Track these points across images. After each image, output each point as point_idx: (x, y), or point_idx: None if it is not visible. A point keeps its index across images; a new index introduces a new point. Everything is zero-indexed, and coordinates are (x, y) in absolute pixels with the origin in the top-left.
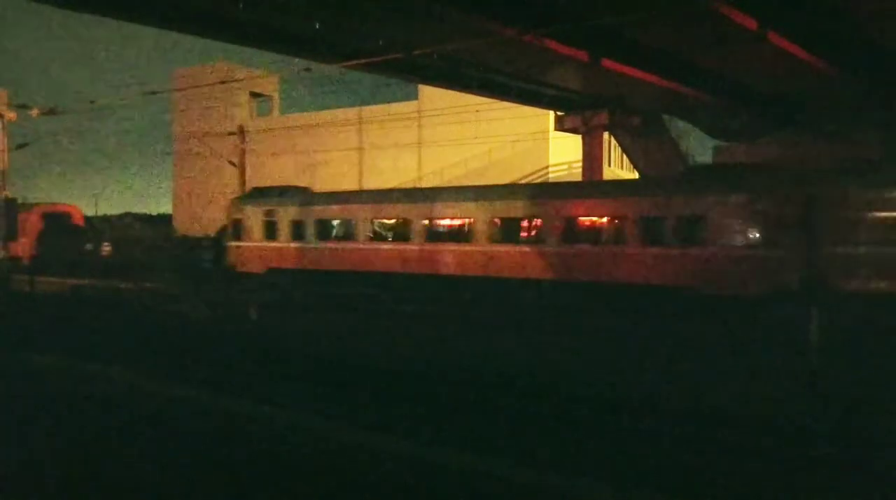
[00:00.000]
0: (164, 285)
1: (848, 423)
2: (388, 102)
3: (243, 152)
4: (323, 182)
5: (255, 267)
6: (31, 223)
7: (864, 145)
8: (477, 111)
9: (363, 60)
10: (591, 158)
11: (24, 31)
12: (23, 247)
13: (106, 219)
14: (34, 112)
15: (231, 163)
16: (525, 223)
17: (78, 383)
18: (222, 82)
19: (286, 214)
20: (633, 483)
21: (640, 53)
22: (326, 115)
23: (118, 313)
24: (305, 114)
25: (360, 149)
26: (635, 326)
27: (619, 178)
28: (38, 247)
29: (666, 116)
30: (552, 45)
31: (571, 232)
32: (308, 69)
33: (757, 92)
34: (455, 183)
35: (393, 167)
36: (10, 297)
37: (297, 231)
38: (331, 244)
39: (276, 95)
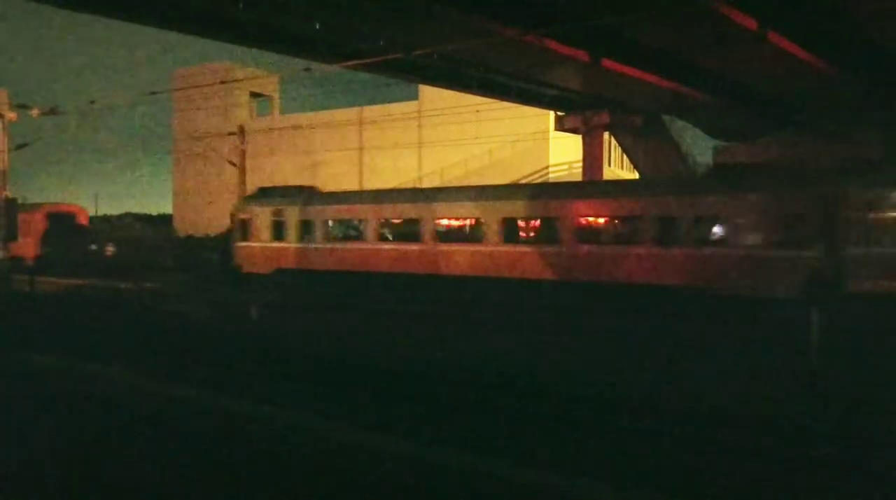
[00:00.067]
0: (169, 286)
1: (848, 423)
2: (388, 103)
3: (243, 152)
4: (323, 182)
5: (263, 267)
6: (36, 223)
7: (864, 145)
8: (477, 111)
9: (363, 60)
10: (592, 158)
11: (24, 32)
12: (27, 247)
13: (106, 219)
14: (34, 112)
15: (231, 163)
16: (539, 224)
17: (78, 383)
18: (222, 82)
19: (294, 214)
20: (633, 483)
21: (641, 53)
22: (326, 115)
23: (118, 312)
24: (305, 114)
25: (361, 149)
26: (635, 326)
27: (619, 177)
28: (42, 247)
29: (666, 116)
30: (552, 45)
31: (588, 233)
32: (308, 69)
33: (757, 92)
34: (455, 183)
35: (393, 167)
36: (10, 297)
37: (305, 231)
38: (339, 245)
39: (276, 95)
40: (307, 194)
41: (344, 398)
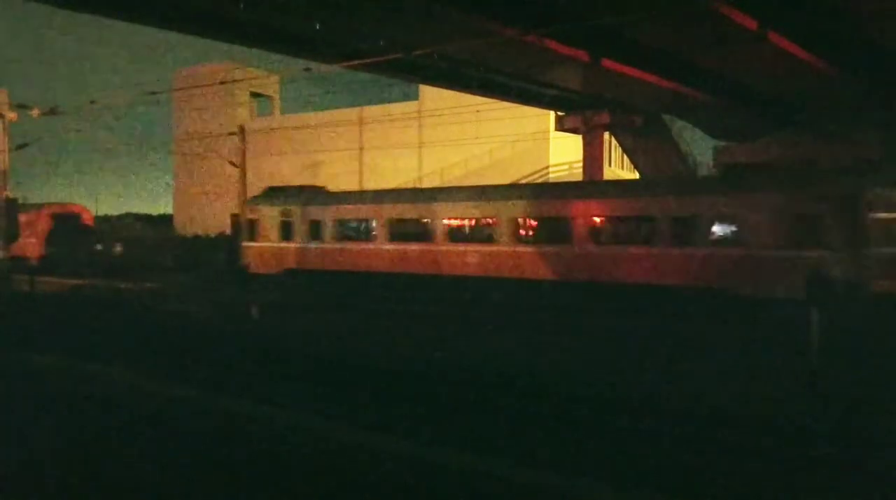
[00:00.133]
0: (178, 286)
1: (848, 423)
2: (388, 103)
3: (244, 152)
4: (323, 182)
5: (272, 267)
6: (40, 224)
7: (864, 145)
8: (477, 111)
9: (363, 60)
10: (592, 158)
11: (24, 32)
12: (31, 247)
13: (106, 219)
14: (35, 112)
15: (232, 163)
16: (552, 224)
17: (78, 383)
18: (223, 82)
19: (303, 214)
20: (633, 483)
21: (641, 53)
22: (327, 115)
23: (118, 312)
24: (306, 114)
25: (361, 149)
26: (636, 326)
27: (619, 177)
28: (47, 247)
29: (666, 116)
30: (552, 45)
31: (606, 233)
32: (308, 69)
33: (757, 92)
34: (455, 183)
35: (393, 167)
36: (10, 297)
37: (315, 231)
38: (348, 245)
39: (276, 95)
40: (316, 194)
41: (344, 398)
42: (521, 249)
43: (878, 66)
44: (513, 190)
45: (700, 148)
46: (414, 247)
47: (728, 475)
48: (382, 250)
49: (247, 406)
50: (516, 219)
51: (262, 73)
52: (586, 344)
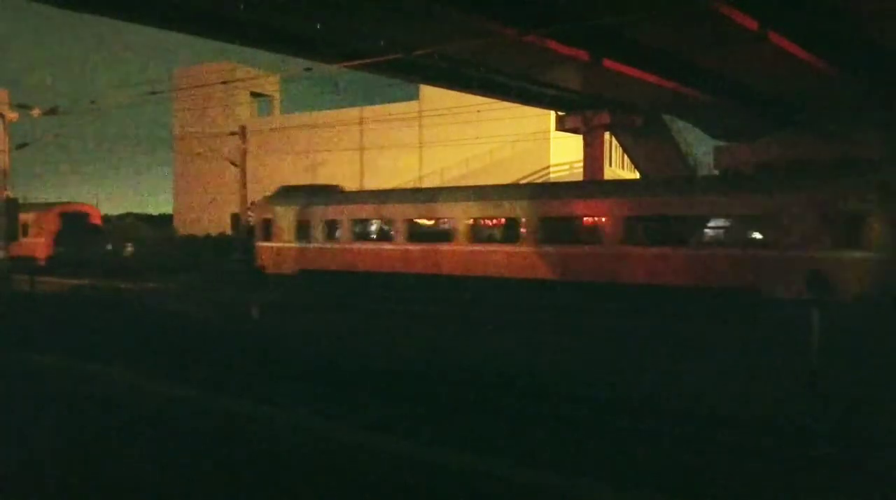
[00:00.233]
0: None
1: (848, 423)
2: (389, 102)
3: (244, 152)
4: (323, 182)
5: (287, 268)
6: (49, 223)
7: (864, 145)
8: (478, 111)
9: (363, 60)
10: (593, 158)
11: (24, 31)
12: (40, 247)
13: (107, 219)
14: (35, 112)
15: (232, 163)
16: (577, 224)
17: (78, 383)
18: (223, 82)
19: (320, 214)
20: (633, 483)
21: (641, 53)
22: (327, 115)
23: (118, 312)
24: (306, 114)
25: (361, 149)
26: (636, 326)
27: (620, 177)
28: (55, 247)
29: (666, 116)
30: (553, 45)
31: (635, 233)
32: (309, 69)
33: (757, 92)
34: (454, 183)
35: (393, 167)
36: (11, 297)
37: (332, 231)
38: (368, 245)
39: (276, 95)
40: (333, 194)
41: (344, 398)
42: (545, 249)
43: (878, 66)
44: (544, 188)
45: (700, 148)
46: (435, 247)
47: (728, 475)
48: (402, 251)
49: (247, 406)
50: (543, 219)
51: (262, 73)
52: (615, 346)
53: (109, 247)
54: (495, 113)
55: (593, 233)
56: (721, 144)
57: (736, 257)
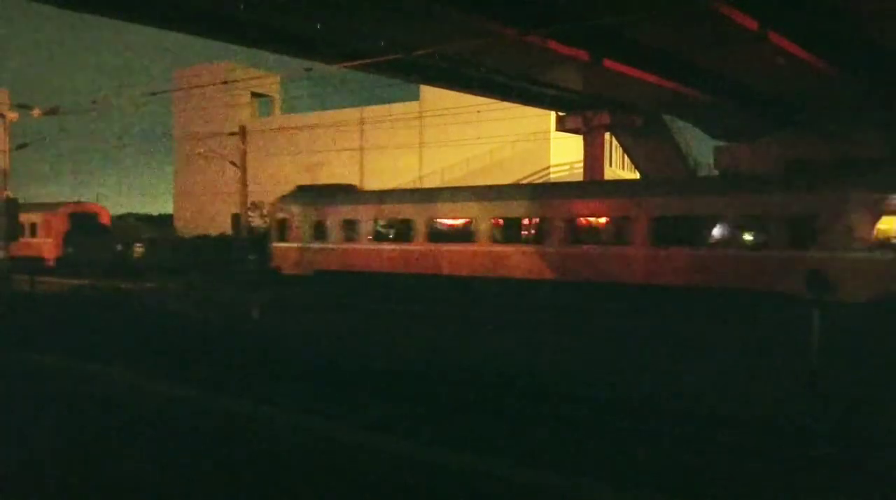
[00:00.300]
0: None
1: (848, 423)
2: (389, 103)
3: (245, 153)
4: (324, 182)
5: (302, 269)
6: (57, 223)
7: (864, 145)
8: (478, 112)
9: (363, 60)
10: (593, 158)
11: (24, 31)
12: (48, 247)
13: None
14: (35, 112)
15: (232, 163)
16: (608, 225)
17: (78, 383)
18: (223, 83)
19: (337, 214)
20: (633, 483)
21: (641, 53)
22: (327, 115)
23: (118, 312)
24: (307, 114)
25: (361, 149)
26: (636, 326)
27: (620, 178)
28: (64, 248)
29: (667, 116)
30: (553, 45)
31: (672, 234)
32: (309, 69)
33: (757, 92)
34: (454, 183)
35: (394, 168)
36: (11, 297)
37: (349, 232)
38: (386, 245)
39: (277, 96)
40: (349, 193)
41: (344, 398)
42: (571, 250)
43: (878, 66)
44: (569, 188)
45: (700, 148)
46: (456, 248)
47: (728, 475)
48: (422, 251)
49: (247, 406)
50: (571, 220)
51: (262, 73)
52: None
53: (120, 247)
54: (495, 113)
55: (624, 234)
56: (721, 143)
57: (790, 260)
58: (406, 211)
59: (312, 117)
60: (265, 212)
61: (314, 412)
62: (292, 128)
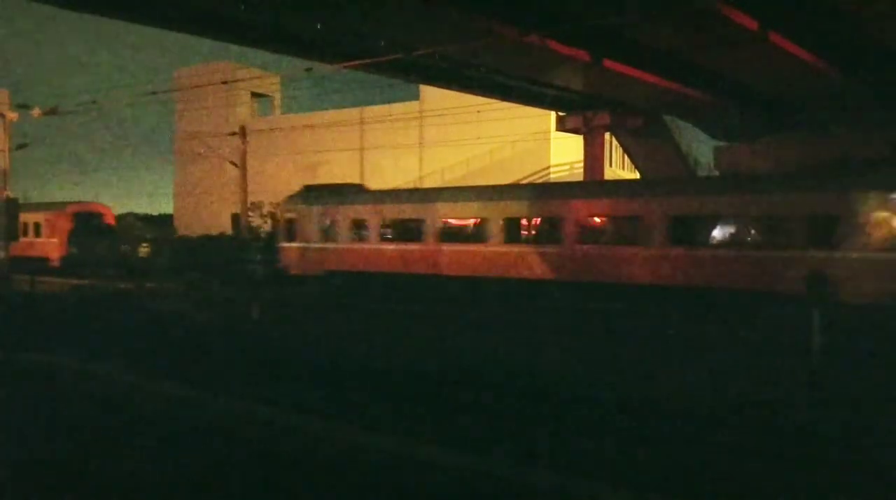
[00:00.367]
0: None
1: (848, 423)
2: (390, 103)
3: (245, 153)
4: (323, 182)
5: (312, 269)
6: (61, 223)
7: (864, 145)
8: (478, 112)
9: (364, 60)
10: (593, 158)
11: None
12: (53, 247)
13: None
14: (35, 112)
15: (233, 163)
16: (626, 224)
17: (78, 382)
18: (223, 82)
19: (347, 214)
20: (633, 484)
21: (641, 54)
22: (328, 115)
23: (118, 312)
24: (307, 114)
25: (362, 149)
26: (636, 326)
27: (620, 178)
28: (69, 248)
29: (667, 116)
30: (553, 45)
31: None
32: (309, 69)
33: (757, 92)
34: (454, 184)
35: (394, 167)
36: (11, 297)
37: (359, 231)
38: (398, 246)
39: (277, 95)
40: (358, 193)
41: (344, 398)
42: (588, 250)
43: (878, 66)
44: (590, 188)
45: (700, 148)
46: (470, 248)
47: (728, 475)
48: (434, 251)
49: (247, 406)
50: (591, 219)
51: (262, 73)
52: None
53: (125, 247)
54: (495, 113)
55: (640, 234)
56: (721, 144)
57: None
58: (418, 211)
59: (312, 117)
60: (265, 212)
61: (314, 412)
62: (292, 128)
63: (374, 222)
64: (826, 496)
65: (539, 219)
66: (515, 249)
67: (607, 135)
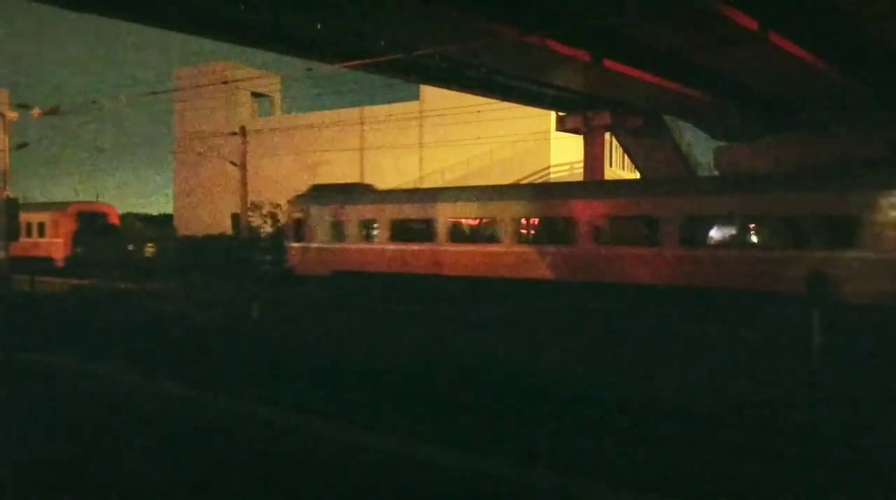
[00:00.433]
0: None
1: (848, 423)
2: (390, 103)
3: (245, 153)
4: (323, 182)
5: (320, 269)
6: (66, 223)
7: (864, 145)
8: (478, 112)
9: (364, 60)
10: (593, 158)
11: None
12: (57, 247)
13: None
14: (35, 112)
15: (233, 163)
16: (638, 224)
17: (78, 382)
18: (223, 82)
19: (355, 214)
20: (633, 484)
21: (641, 53)
22: (328, 115)
23: (118, 312)
24: (307, 114)
25: (362, 149)
26: (636, 326)
27: (620, 178)
28: (73, 248)
29: (667, 116)
30: (553, 45)
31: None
32: (309, 69)
33: (757, 92)
34: (454, 184)
35: (394, 168)
36: (10, 297)
37: (368, 231)
38: (408, 246)
39: (277, 95)
40: (366, 192)
41: (344, 398)
42: (603, 250)
43: (878, 66)
44: (601, 187)
45: (700, 148)
46: (480, 249)
47: (728, 475)
48: (443, 252)
49: (247, 406)
50: (603, 219)
51: (262, 73)
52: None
53: (131, 247)
54: (496, 113)
55: (654, 235)
56: (721, 144)
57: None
58: (428, 211)
59: (312, 117)
60: (265, 212)
61: (314, 412)
62: (292, 128)
63: (383, 223)
64: (826, 496)
65: (552, 220)
66: (528, 249)
67: (607, 135)
